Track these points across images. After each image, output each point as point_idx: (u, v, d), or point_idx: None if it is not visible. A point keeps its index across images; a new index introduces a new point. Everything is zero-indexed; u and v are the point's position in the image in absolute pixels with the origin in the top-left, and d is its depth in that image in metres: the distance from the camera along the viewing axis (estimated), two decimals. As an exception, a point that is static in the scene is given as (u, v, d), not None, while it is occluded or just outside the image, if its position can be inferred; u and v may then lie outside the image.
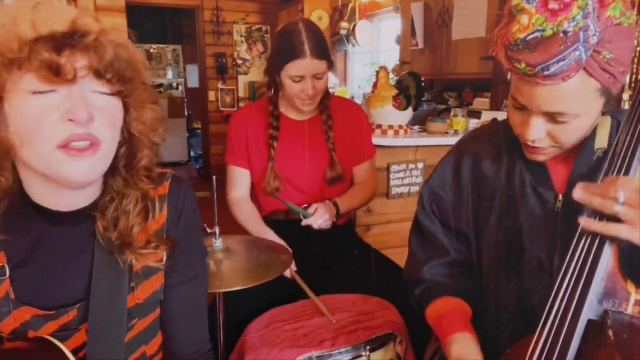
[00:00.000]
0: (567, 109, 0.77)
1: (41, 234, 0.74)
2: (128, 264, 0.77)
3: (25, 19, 0.63)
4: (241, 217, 1.64)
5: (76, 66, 0.64)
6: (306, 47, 1.48)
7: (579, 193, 0.73)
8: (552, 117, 0.79)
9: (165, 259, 0.81)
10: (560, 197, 0.89)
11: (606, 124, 0.84)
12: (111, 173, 0.76)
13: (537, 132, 0.81)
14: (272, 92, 1.63)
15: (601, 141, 0.84)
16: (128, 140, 0.76)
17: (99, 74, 0.66)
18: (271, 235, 1.55)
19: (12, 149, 0.66)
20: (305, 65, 1.49)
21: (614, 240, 0.73)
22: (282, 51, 1.52)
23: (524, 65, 0.73)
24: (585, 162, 0.88)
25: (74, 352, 0.76)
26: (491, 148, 0.99)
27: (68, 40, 0.63)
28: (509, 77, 2.90)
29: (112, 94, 0.69)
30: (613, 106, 0.82)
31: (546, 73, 0.72)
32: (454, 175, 1.03)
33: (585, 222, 0.73)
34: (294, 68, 1.50)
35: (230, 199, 1.67)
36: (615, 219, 0.70)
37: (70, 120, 0.64)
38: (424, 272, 1.04)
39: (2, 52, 0.62)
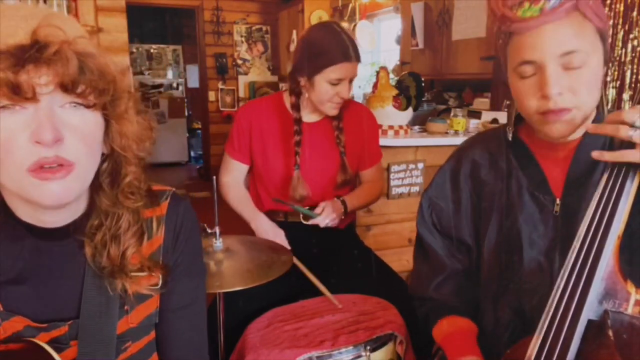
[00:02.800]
0: (577, 46, 0.79)
1: (30, 248, 0.72)
2: (121, 289, 0.74)
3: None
4: (232, 199, 1.63)
5: (39, 82, 0.60)
6: (351, 50, 1.50)
7: (591, 127, 0.77)
8: (567, 63, 0.80)
9: (160, 283, 0.77)
10: (558, 201, 0.89)
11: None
12: (95, 190, 0.72)
13: (557, 83, 0.80)
14: (294, 97, 1.60)
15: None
16: (110, 155, 0.72)
17: (65, 89, 0.61)
18: (262, 219, 1.56)
19: None
20: (349, 68, 1.51)
21: (616, 232, 0.73)
22: (324, 54, 1.49)
23: (527, 4, 0.77)
24: (581, 164, 0.88)
25: None
26: (488, 154, 1.00)
27: (27, 54, 0.58)
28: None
29: (86, 107, 0.65)
30: (608, 61, 0.86)
31: (548, 5, 0.76)
32: (452, 184, 1.03)
33: (598, 153, 0.75)
34: (338, 71, 1.49)
35: (222, 182, 1.66)
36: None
37: (36, 142, 0.60)
38: (430, 290, 1.05)
39: None
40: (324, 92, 1.52)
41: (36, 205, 0.66)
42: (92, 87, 0.63)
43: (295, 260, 1.37)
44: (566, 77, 0.80)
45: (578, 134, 0.90)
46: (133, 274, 0.74)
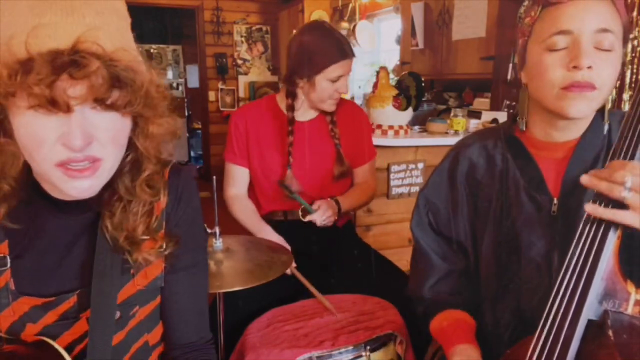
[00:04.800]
0: (612, 27, 0.81)
1: (43, 221, 0.74)
2: (132, 258, 0.77)
3: (21, 37, 0.58)
4: (239, 213, 1.64)
5: (73, 94, 0.60)
6: (346, 47, 1.57)
7: (586, 178, 0.74)
8: (598, 42, 0.81)
9: (164, 245, 0.80)
10: (555, 201, 0.89)
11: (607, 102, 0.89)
12: (117, 174, 0.74)
13: (588, 54, 0.81)
14: (290, 99, 1.62)
15: (607, 117, 0.88)
16: (134, 150, 0.74)
17: (98, 101, 0.63)
18: (269, 231, 1.56)
19: (21, 155, 0.66)
20: (347, 64, 1.58)
21: (616, 230, 0.73)
22: (324, 54, 1.54)
23: None
24: (578, 164, 0.88)
25: (73, 342, 0.76)
26: (485, 154, 1.00)
27: (65, 67, 0.58)
28: (509, 76, 2.88)
29: (117, 110, 0.66)
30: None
31: None
32: (449, 184, 1.03)
33: (591, 207, 0.74)
34: (339, 68, 1.55)
35: (228, 196, 1.68)
36: (620, 205, 0.71)
37: (66, 146, 0.62)
38: (425, 290, 1.04)
39: None
40: (325, 90, 1.57)
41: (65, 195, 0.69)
42: (124, 99, 0.64)
43: (294, 271, 1.36)
44: (596, 54, 0.81)
45: (576, 134, 0.90)
46: (141, 237, 0.77)
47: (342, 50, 1.55)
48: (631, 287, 0.73)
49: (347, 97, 4.11)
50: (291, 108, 1.62)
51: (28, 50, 0.58)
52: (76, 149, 0.62)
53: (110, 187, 0.75)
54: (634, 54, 2.08)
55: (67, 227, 0.76)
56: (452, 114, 2.65)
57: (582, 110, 0.83)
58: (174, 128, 0.78)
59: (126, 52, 0.65)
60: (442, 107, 3.57)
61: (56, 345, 0.71)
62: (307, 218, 1.55)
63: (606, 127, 0.89)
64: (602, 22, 0.81)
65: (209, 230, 1.30)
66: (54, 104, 0.60)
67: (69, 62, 0.59)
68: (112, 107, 0.64)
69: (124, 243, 0.75)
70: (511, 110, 2.77)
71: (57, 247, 0.76)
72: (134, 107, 0.67)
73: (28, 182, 0.72)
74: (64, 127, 0.62)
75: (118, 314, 0.77)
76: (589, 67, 0.80)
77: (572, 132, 0.90)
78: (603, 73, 0.82)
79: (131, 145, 0.74)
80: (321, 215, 1.53)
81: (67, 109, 0.61)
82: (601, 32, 0.81)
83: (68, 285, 0.76)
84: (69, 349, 0.74)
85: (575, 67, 0.81)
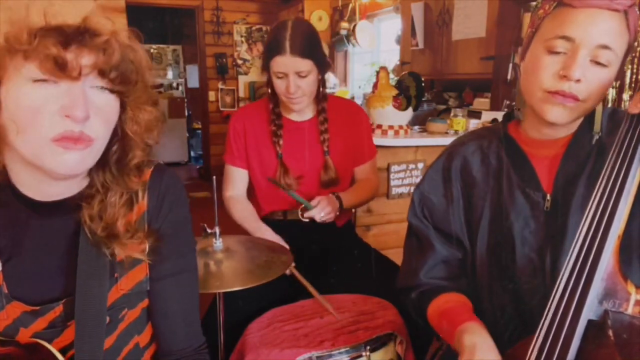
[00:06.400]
0: (613, 45, 0.80)
1: (26, 224, 0.74)
2: (111, 254, 0.76)
3: (38, 10, 0.64)
4: (237, 214, 1.64)
5: (82, 63, 0.65)
6: (287, 43, 1.48)
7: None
8: (596, 56, 0.81)
9: (147, 249, 0.79)
10: (548, 197, 0.90)
11: (599, 108, 0.89)
12: (101, 167, 0.75)
13: (581, 67, 0.81)
14: (270, 89, 1.62)
15: (597, 125, 0.88)
16: (121, 138, 0.76)
17: (102, 73, 0.67)
18: (267, 231, 1.55)
19: (5, 135, 0.66)
20: (284, 61, 1.48)
21: (616, 230, 0.73)
22: (268, 47, 1.53)
23: None
24: (571, 161, 0.89)
25: (65, 348, 0.75)
26: (479, 151, 1.00)
27: (78, 36, 0.65)
28: (509, 76, 2.88)
29: (111, 91, 0.70)
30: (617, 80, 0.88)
31: None
32: (444, 180, 1.03)
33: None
34: (276, 64, 1.50)
35: (226, 197, 1.68)
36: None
37: (66, 116, 0.65)
38: (420, 275, 1.04)
39: (10, 41, 0.63)
40: (277, 86, 1.54)
41: (51, 173, 0.69)
42: (124, 77, 0.69)
43: (293, 270, 1.36)
44: (589, 68, 0.82)
45: (569, 130, 0.91)
46: (124, 240, 0.76)
47: (280, 46, 1.48)
48: (631, 287, 0.73)
49: (347, 97, 4.13)
50: (274, 100, 1.62)
51: (45, 20, 0.64)
52: (78, 119, 0.65)
53: (90, 184, 0.77)
54: (634, 54, 2.08)
55: (49, 230, 0.75)
56: (452, 114, 2.65)
57: (560, 118, 0.85)
58: (160, 115, 0.80)
59: (125, 33, 0.71)
60: (442, 107, 3.57)
61: (51, 348, 0.70)
62: (306, 215, 1.54)
63: (596, 137, 0.89)
64: (606, 38, 0.80)
65: (209, 230, 1.30)
66: (64, 68, 0.63)
67: (81, 32, 0.65)
68: (112, 82, 0.68)
69: (102, 234, 0.74)
70: (507, 110, 2.77)
71: (42, 252, 0.75)
72: (130, 86, 0.71)
73: (5, 182, 0.72)
74: (66, 99, 0.65)
75: (107, 318, 0.76)
76: (578, 80, 0.81)
77: (564, 130, 0.91)
78: (591, 87, 0.82)
79: (117, 133, 0.76)
80: (320, 211, 1.52)
81: (78, 75, 0.64)
82: (601, 48, 0.80)
83: (54, 293, 0.75)
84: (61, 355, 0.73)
85: (565, 76, 0.82)
